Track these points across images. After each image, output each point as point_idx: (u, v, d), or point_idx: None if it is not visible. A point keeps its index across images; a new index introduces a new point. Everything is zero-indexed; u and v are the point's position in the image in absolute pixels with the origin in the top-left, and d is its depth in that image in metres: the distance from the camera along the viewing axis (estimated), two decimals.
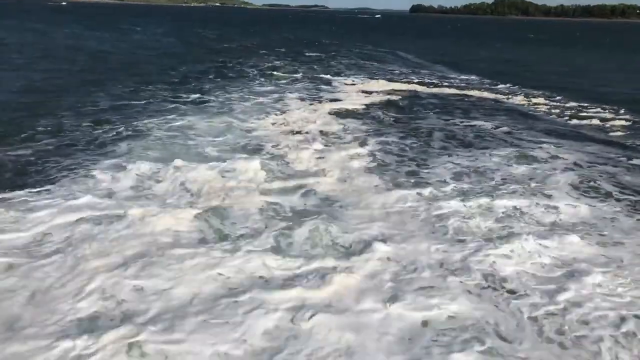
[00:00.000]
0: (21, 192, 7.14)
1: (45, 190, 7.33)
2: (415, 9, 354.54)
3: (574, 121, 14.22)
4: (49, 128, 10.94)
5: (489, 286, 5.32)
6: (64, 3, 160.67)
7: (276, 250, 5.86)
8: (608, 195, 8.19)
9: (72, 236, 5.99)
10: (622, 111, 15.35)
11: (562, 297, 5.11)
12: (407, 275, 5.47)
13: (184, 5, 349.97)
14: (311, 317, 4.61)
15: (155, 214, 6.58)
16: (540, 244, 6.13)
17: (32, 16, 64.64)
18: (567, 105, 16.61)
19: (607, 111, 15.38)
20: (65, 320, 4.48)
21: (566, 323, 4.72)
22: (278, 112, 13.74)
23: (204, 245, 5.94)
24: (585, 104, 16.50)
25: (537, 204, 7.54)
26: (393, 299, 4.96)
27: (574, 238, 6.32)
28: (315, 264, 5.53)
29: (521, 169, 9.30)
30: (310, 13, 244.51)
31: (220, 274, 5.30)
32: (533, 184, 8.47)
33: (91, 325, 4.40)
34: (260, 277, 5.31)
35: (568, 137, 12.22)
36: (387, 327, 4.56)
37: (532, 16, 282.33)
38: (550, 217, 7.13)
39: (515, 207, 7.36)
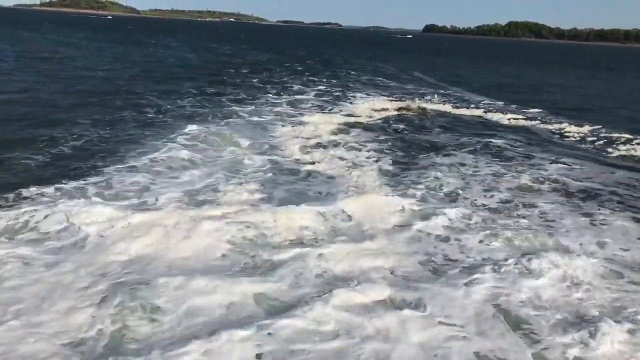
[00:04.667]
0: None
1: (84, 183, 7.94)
2: (429, 28, 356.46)
3: (595, 146, 13.88)
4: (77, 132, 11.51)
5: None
6: (109, 17, 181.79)
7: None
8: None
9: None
10: None
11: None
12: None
13: (199, 19, 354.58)
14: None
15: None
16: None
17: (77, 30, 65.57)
18: (597, 132, 15.68)
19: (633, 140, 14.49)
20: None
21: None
22: (293, 123, 14.29)
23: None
24: (612, 131, 15.79)
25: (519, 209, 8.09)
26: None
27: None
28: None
29: (520, 182, 9.68)
30: (322, 30, 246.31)
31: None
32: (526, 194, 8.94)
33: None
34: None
35: (582, 158, 12.12)
36: None
37: (545, 39, 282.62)
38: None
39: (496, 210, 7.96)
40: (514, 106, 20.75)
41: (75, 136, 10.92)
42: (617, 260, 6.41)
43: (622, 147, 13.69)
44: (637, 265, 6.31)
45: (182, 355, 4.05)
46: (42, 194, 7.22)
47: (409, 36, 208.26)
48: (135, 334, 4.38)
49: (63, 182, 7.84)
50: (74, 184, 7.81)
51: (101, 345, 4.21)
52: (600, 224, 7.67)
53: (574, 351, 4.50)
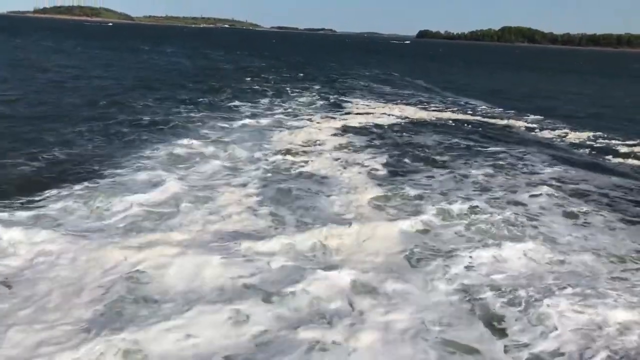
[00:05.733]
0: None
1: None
2: (422, 34, 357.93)
3: (593, 152, 13.81)
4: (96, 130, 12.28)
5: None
6: (110, 24, 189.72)
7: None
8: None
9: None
10: None
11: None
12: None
13: (193, 26, 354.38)
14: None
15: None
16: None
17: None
18: (594, 138, 15.53)
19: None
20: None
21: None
22: (290, 127, 14.37)
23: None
24: (610, 137, 15.63)
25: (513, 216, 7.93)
26: None
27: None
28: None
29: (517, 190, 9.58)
30: (317, 36, 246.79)
31: None
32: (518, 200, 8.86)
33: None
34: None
35: (579, 163, 12.10)
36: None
37: (538, 44, 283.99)
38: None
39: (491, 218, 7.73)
40: (510, 112, 20.74)
41: (69, 145, 10.81)
42: (602, 257, 6.60)
43: (620, 152, 13.65)
44: (618, 260, 6.55)
45: None
46: (32, 202, 7.23)
47: (407, 42, 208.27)
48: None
49: (55, 190, 7.80)
50: (65, 191, 7.78)
51: None
52: (589, 223, 7.80)
53: (541, 342, 4.68)
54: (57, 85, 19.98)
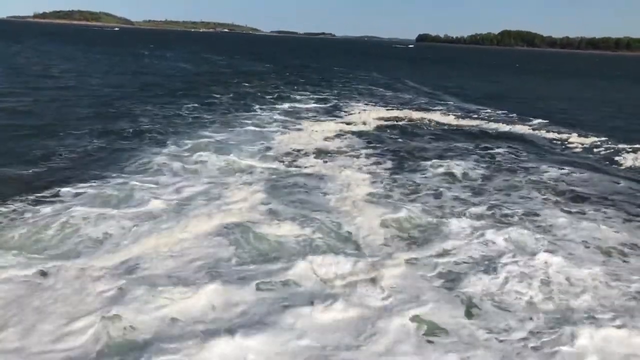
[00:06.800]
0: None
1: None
2: (422, 38, 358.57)
3: (598, 156, 13.69)
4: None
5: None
6: (116, 29, 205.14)
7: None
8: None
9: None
10: None
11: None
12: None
13: (192, 30, 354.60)
14: None
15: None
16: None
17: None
18: (600, 143, 15.19)
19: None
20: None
21: None
22: (291, 131, 14.51)
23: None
24: (617, 142, 15.31)
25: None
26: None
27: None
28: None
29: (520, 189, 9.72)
30: (316, 40, 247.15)
31: None
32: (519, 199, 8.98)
33: None
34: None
35: (583, 166, 12.05)
36: None
37: (537, 47, 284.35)
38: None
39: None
40: (512, 115, 20.69)
41: (69, 151, 10.81)
42: (603, 258, 6.68)
43: (625, 156, 13.49)
44: (621, 262, 6.61)
45: None
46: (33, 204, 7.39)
47: (410, 46, 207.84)
48: None
49: (55, 195, 7.87)
50: (66, 197, 7.86)
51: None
52: (591, 227, 7.77)
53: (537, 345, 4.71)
54: (58, 91, 19.94)
